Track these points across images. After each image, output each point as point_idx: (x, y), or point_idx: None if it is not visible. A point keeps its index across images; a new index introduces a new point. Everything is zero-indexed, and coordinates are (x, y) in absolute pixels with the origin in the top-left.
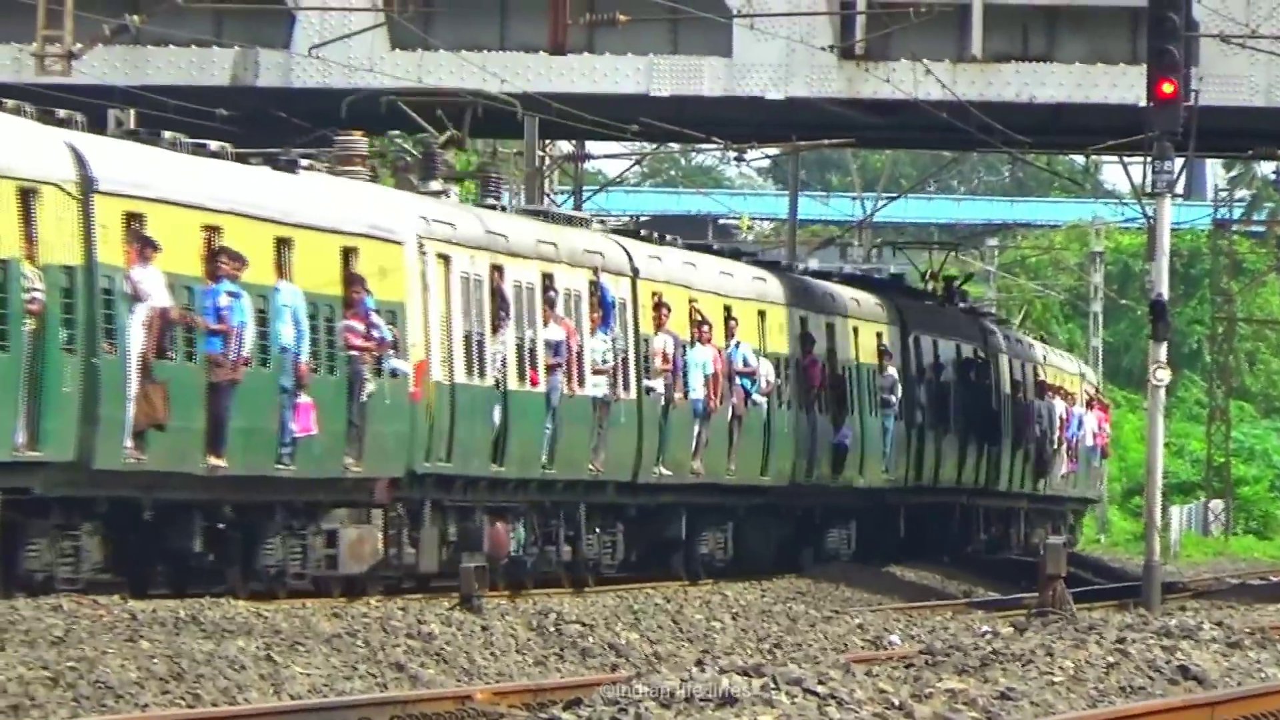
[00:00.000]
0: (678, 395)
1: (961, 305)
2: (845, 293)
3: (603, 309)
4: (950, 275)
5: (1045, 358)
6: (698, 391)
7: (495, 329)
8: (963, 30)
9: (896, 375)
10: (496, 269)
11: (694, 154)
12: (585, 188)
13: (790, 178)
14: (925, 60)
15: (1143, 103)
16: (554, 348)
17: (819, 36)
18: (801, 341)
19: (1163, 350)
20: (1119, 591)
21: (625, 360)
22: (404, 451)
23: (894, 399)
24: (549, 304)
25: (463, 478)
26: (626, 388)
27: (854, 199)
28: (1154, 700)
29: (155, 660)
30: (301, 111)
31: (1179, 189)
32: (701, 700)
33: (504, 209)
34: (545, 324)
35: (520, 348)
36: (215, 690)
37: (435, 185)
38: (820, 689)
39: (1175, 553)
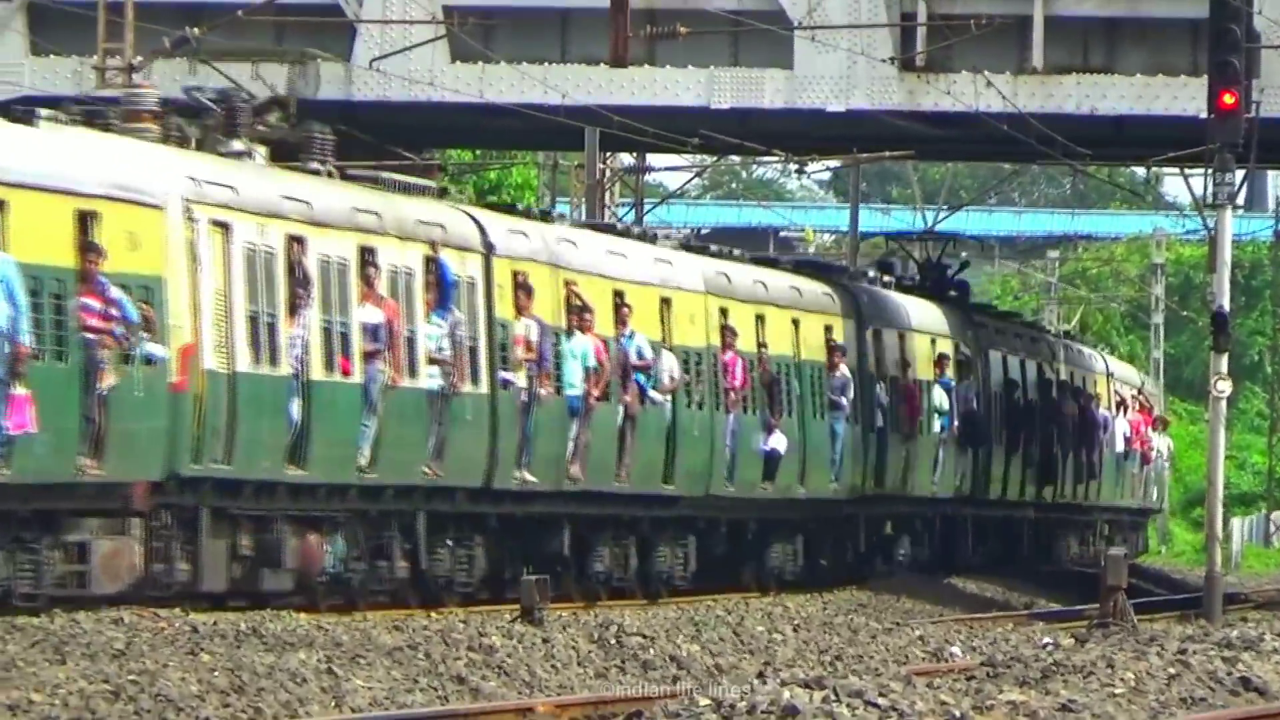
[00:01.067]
0: (545, 390)
1: (952, 295)
2: (782, 280)
3: (441, 289)
4: (945, 264)
5: (1061, 355)
6: (575, 386)
7: (293, 310)
8: (1023, 42)
9: (849, 374)
10: (296, 241)
11: (755, 166)
12: (646, 200)
13: (851, 190)
14: (986, 72)
15: (1204, 114)
16: (372, 332)
17: (880, 48)
18: (721, 334)
19: (1224, 362)
20: (1180, 603)
21: (474, 349)
22: (162, 451)
23: (845, 400)
24: (367, 282)
25: (251, 482)
26: (475, 380)
27: (915, 211)
28: (1215, 712)
29: (216, 673)
30: (362, 125)
31: (1240, 200)
32: (763, 712)
33: (330, 174)
34: (362, 305)
35: (327, 332)
36: (276, 703)
37: (237, 145)
38: (882, 701)
39: (1236, 564)
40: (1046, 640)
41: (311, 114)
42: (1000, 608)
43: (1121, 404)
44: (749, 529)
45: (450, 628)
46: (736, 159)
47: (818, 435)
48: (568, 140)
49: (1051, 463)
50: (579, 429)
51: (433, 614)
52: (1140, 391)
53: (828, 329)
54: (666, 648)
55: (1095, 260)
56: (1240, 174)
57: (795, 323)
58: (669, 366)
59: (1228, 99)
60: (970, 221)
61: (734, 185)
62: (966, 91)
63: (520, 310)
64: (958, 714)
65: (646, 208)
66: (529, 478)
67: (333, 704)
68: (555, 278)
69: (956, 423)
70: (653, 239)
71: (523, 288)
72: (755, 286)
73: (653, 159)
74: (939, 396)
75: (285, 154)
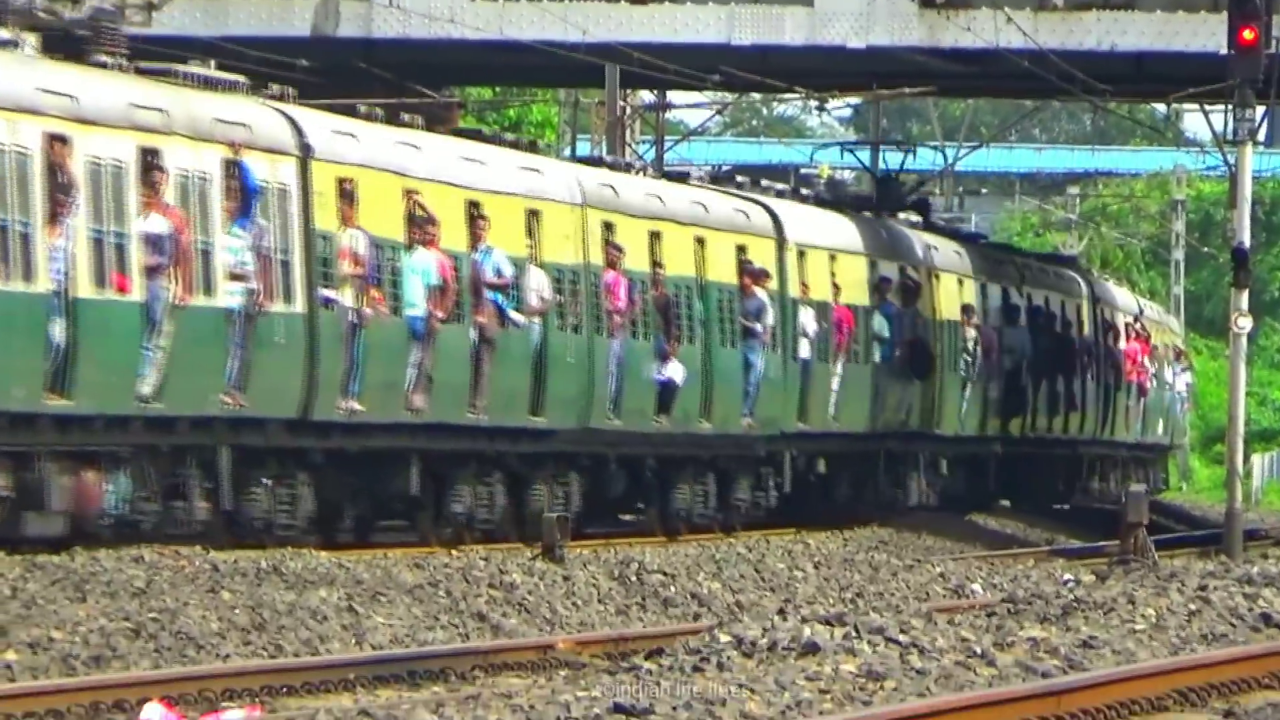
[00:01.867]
0: (375, 310)
1: (911, 217)
2: (684, 195)
3: (243, 197)
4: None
5: (1031, 278)
6: (415, 306)
7: (53, 219)
8: None
9: (766, 299)
10: (57, 140)
11: (775, 104)
12: (667, 138)
13: (871, 127)
14: (1006, 8)
15: (1224, 51)
16: (155, 244)
17: None
18: (604, 251)
19: (1244, 298)
20: (1201, 539)
21: (287, 264)
22: None
23: (760, 327)
24: (151, 188)
25: (4, 414)
26: (288, 298)
27: (935, 148)
28: (1236, 648)
29: (237, 611)
30: (382, 63)
31: (1260, 137)
32: (784, 649)
33: (119, 69)
34: (144, 214)
35: (98, 244)
36: (297, 641)
37: (2, 33)
38: (902, 638)
39: (1257, 500)
40: (1067, 577)
41: (332, 51)
42: (1020, 545)
43: (1111, 330)
44: (646, 467)
45: (471, 565)
46: (757, 96)
47: (726, 365)
48: (588, 77)
49: (1018, 394)
50: (421, 354)
51: (454, 551)
52: (1139, 319)
53: (741, 249)
54: (687, 585)
55: (1115, 197)
56: (1261, 110)
57: (700, 241)
58: (537, 286)
59: (1248, 35)
60: (991, 158)
61: (755, 123)
62: (987, 28)
63: (345, 221)
64: (979, 650)
65: (667, 145)
66: (357, 407)
67: (353, 641)
68: (393, 186)
69: (899, 352)
70: (627, 168)
71: (348, 196)
72: (648, 200)
73: (673, 96)
74: (879, 324)
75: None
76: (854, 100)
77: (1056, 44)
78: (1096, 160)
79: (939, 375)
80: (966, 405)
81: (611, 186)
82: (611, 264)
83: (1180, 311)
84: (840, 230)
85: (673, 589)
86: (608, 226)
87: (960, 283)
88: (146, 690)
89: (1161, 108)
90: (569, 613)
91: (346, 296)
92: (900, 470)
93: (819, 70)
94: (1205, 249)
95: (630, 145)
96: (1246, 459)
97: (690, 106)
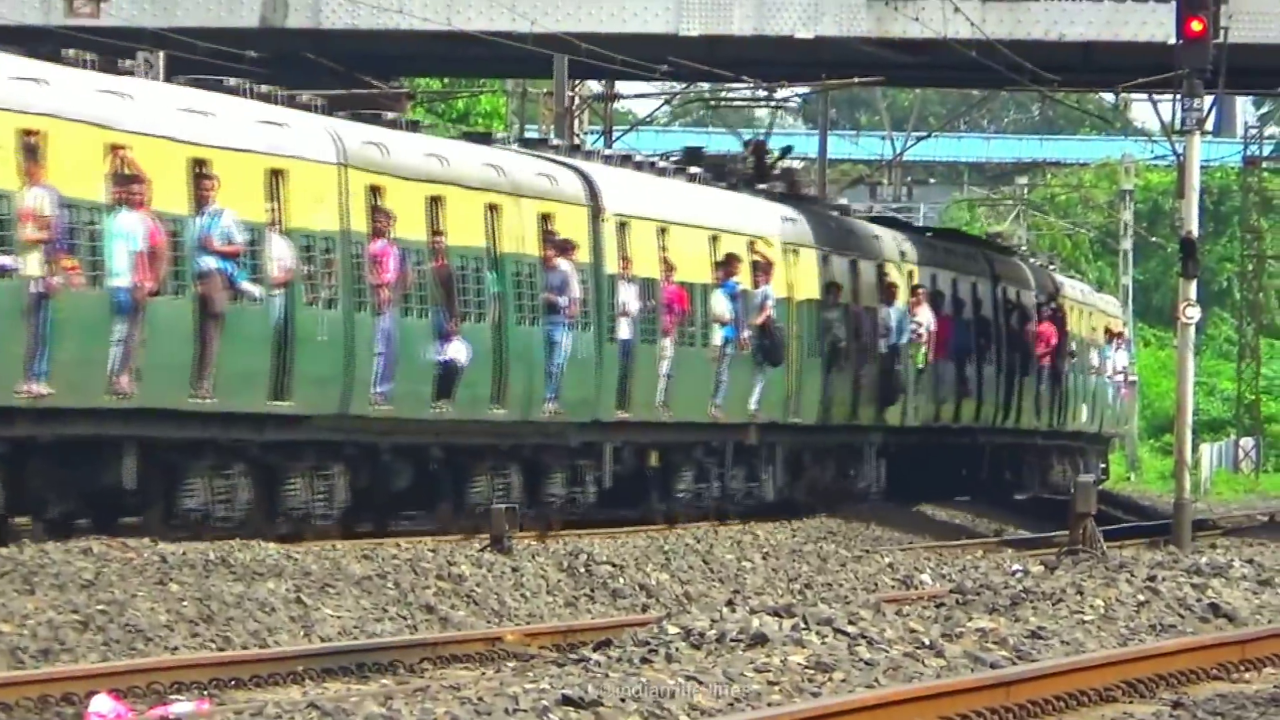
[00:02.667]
0: (66, 280)
1: (775, 187)
2: (474, 156)
3: None
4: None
5: (914, 255)
6: (120, 275)
7: None
8: None
9: (572, 272)
10: None
11: (724, 93)
12: (615, 128)
13: (820, 117)
14: None
15: (1172, 40)
16: None
17: None
18: (370, 218)
19: (1193, 288)
20: (1149, 529)
21: None
22: None
23: (564, 301)
24: None
25: None
26: None
27: (884, 138)
28: (1185, 638)
29: (185, 603)
30: (331, 53)
31: (1208, 126)
32: (732, 640)
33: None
34: None
35: None
36: (245, 633)
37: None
38: (851, 629)
39: (1206, 490)
40: (1016, 568)
41: (281, 42)
42: (969, 535)
43: (1015, 311)
44: (431, 457)
45: (419, 557)
46: (705, 85)
47: (523, 345)
48: (536, 68)
49: (894, 380)
50: (128, 329)
51: (401, 543)
52: (1053, 298)
53: (546, 218)
54: (636, 576)
55: (1064, 186)
56: (1209, 99)
57: (493, 208)
58: (279, 255)
59: (1196, 25)
60: (939, 147)
61: (703, 112)
62: (935, 18)
63: (30, 178)
64: (927, 641)
65: (616, 135)
66: (45, 391)
67: (302, 633)
68: (93, 140)
69: (746, 334)
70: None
71: (32, 150)
72: (428, 162)
73: (622, 86)
74: (720, 304)
75: None
76: (802, 90)
77: (1004, 34)
78: (1044, 149)
79: (797, 360)
80: (832, 393)
81: (380, 145)
82: (379, 232)
83: (1129, 301)
84: (676, 201)
85: (621, 580)
86: (374, 190)
87: (826, 259)
88: (95, 683)
89: (1109, 97)
90: (517, 604)
91: (30, 264)
92: (753, 464)
93: (767, 60)
94: (1154, 238)
95: (578, 135)
96: (1195, 449)
97: (639, 96)
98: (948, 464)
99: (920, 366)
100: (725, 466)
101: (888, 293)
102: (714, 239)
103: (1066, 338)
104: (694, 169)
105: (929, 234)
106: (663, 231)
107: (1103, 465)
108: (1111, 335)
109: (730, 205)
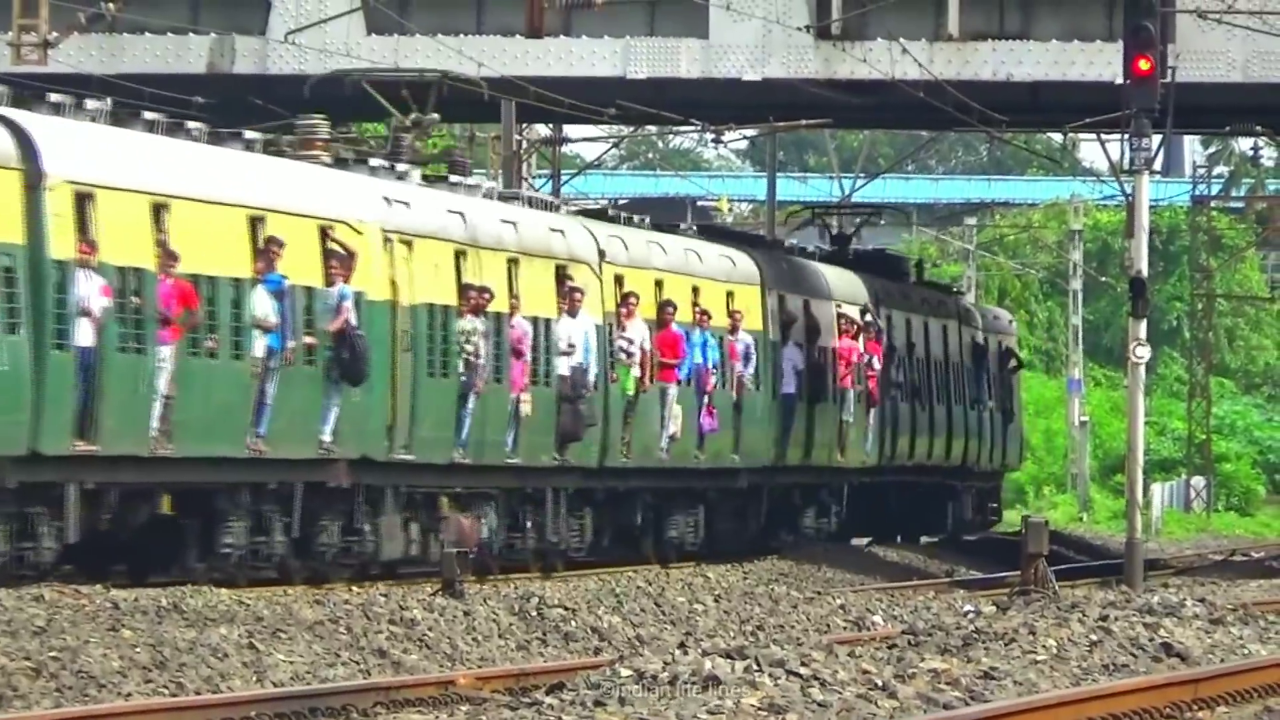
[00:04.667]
0: None
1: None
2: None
3: None
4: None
5: (582, 248)
6: None
7: None
8: (939, 9)
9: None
10: None
11: (671, 136)
12: (563, 171)
13: (768, 159)
14: (902, 39)
15: (1120, 80)
16: None
17: (795, 17)
18: None
19: (1142, 327)
20: (1101, 569)
21: None
22: None
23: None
24: None
25: None
26: None
27: (832, 179)
28: (1137, 678)
29: (138, 649)
30: (278, 98)
31: (1157, 166)
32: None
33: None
34: None
35: None
36: (198, 678)
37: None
38: (803, 670)
39: (1157, 530)
40: (968, 608)
41: (228, 87)
42: (921, 576)
43: (799, 325)
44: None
45: (371, 601)
46: (653, 129)
47: (219, 378)
48: (484, 112)
49: (575, 411)
50: None
51: (354, 587)
52: (869, 313)
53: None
54: (588, 619)
55: (1013, 227)
56: (1157, 139)
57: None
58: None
59: (1143, 64)
60: (888, 188)
61: (651, 155)
62: (882, 59)
63: None
64: (880, 682)
65: (564, 178)
66: None
67: (254, 678)
68: None
69: (306, 342)
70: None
71: None
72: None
73: (569, 129)
74: (262, 303)
75: None
76: (750, 132)
77: (952, 74)
78: (993, 190)
79: (408, 378)
80: (475, 421)
81: None
82: None
83: (1079, 341)
84: (184, 167)
85: (573, 623)
86: None
87: (464, 255)
88: None
89: (1058, 137)
90: (470, 648)
91: None
92: (350, 511)
93: (715, 102)
94: (1103, 278)
95: (527, 179)
96: (1146, 489)
97: (586, 140)
98: (683, 510)
99: (630, 393)
100: (291, 517)
101: (570, 299)
102: (257, 222)
103: (893, 355)
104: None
105: (680, 233)
106: (161, 209)
107: (992, 505)
108: (1003, 356)
109: (290, 177)
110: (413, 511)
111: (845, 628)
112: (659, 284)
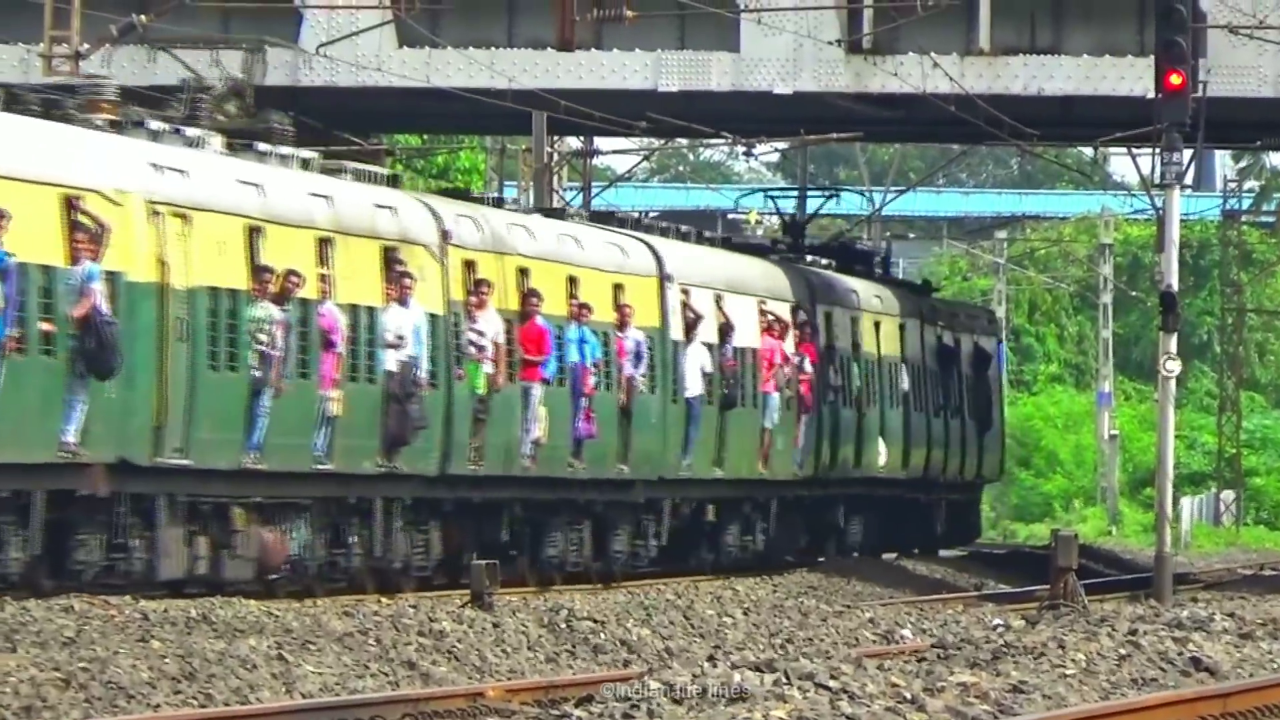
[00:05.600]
0: None
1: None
2: None
3: None
4: None
5: (419, 227)
6: None
7: None
8: (970, 23)
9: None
10: None
11: (702, 149)
12: (594, 184)
13: (799, 172)
14: (933, 54)
15: (1151, 94)
16: None
17: (826, 31)
18: None
19: (1173, 341)
20: (1130, 583)
21: None
22: None
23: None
24: None
25: None
26: None
27: (862, 193)
28: (1166, 692)
29: (167, 660)
30: (310, 110)
31: (1188, 180)
32: (714, 696)
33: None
34: None
35: None
36: (227, 690)
37: None
38: (832, 683)
39: (1186, 544)
40: (997, 622)
41: (260, 99)
42: (950, 589)
43: (707, 322)
44: None
45: (401, 613)
46: (684, 141)
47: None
48: (515, 124)
49: (404, 411)
50: None
51: (383, 599)
52: (801, 310)
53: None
54: (617, 632)
55: (1043, 241)
56: (1188, 153)
57: None
58: None
59: (1175, 79)
60: (918, 202)
61: (681, 168)
62: (913, 73)
63: None
64: (909, 696)
65: (594, 191)
66: None
67: (283, 690)
68: None
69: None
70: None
71: None
72: None
73: (600, 142)
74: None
75: None
76: (780, 145)
77: (983, 88)
78: (1024, 204)
79: (185, 373)
80: (269, 423)
81: None
82: None
83: (1109, 355)
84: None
85: (602, 635)
86: None
87: (260, 233)
88: None
89: (1089, 151)
90: (499, 660)
91: None
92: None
93: (745, 115)
94: (1133, 292)
95: (557, 191)
96: (1176, 503)
97: (617, 153)
98: (557, 527)
99: (481, 392)
100: (29, 529)
101: (399, 286)
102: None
103: (826, 354)
104: None
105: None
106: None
107: (971, 519)
108: (988, 361)
109: (26, 138)
110: (199, 525)
111: (874, 641)
112: (523, 272)
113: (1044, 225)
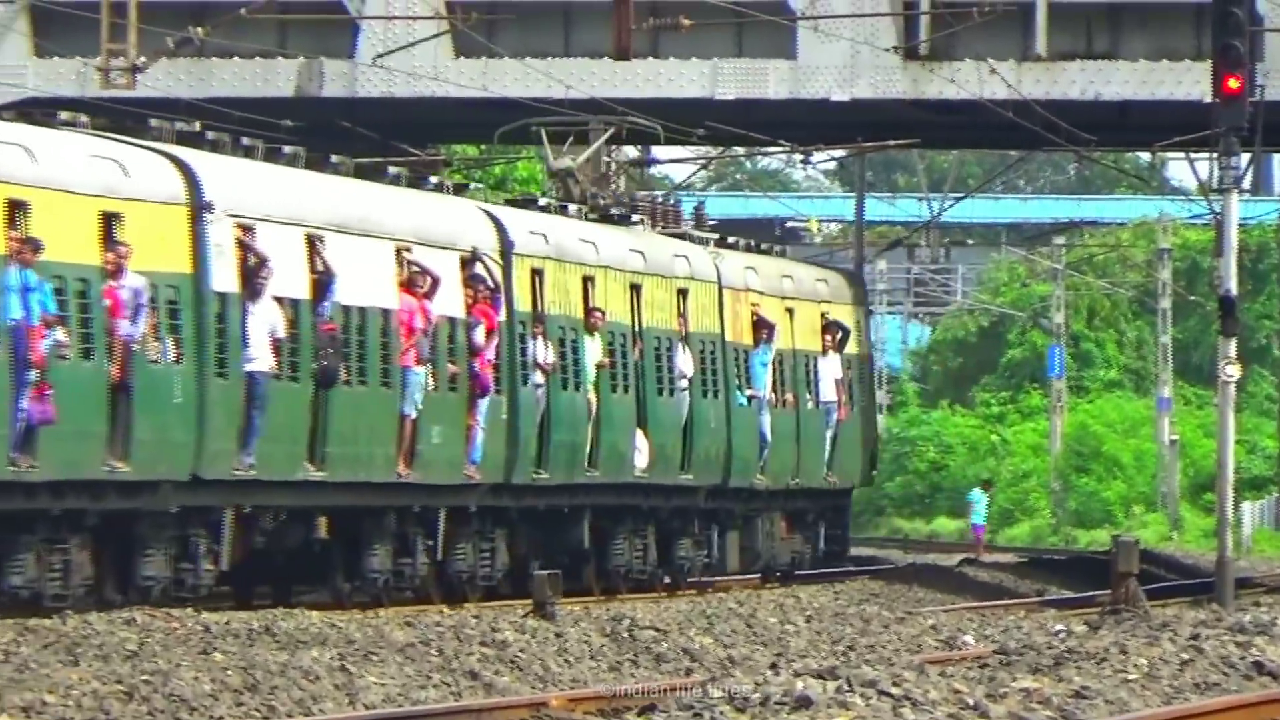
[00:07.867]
0: None
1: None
2: None
3: None
4: None
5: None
6: None
7: None
8: (1027, 29)
9: None
10: None
11: (760, 157)
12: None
13: (856, 179)
14: (990, 60)
15: (1208, 99)
16: None
17: (883, 37)
18: None
19: (1232, 346)
20: (1192, 588)
21: None
22: None
23: None
24: None
25: None
26: None
27: (920, 199)
28: (1229, 697)
29: (229, 672)
30: (367, 121)
31: (1246, 184)
32: (777, 703)
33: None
34: None
35: None
36: (290, 701)
37: None
38: (895, 690)
39: (1248, 548)
40: (1059, 627)
41: (316, 111)
42: (1011, 595)
43: (259, 268)
44: None
45: (463, 623)
46: (741, 150)
47: None
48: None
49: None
50: None
51: (445, 609)
52: (481, 262)
53: None
54: (679, 640)
55: (1101, 246)
56: (1246, 158)
57: None
58: None
59: (1232, 83)
60: (976, 208)
61: (739, 177)
62: (970, 79)
63: None
64: (971, 702)
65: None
66: None
67: (346, 701)
68: None
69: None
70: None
71: None
72: None
73: (658, 151)
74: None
75: None
76: (838, 153)
77: (1040, 94)
78: (1082, 209)
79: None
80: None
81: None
82: None
83: (1168, 360)
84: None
85: (664, 644)
86: None
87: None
88: None
89: (1146, 156)
90: (561, 670)
91: None
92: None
93: (802, 123)
94: (1192, 297)
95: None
96: (1237, 507)
97: (674, 161)
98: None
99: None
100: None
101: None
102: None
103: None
104: None
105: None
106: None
107: (835, 532)
108: (830, 333)
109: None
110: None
111: (936, 647)
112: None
113: (1102, 231)
